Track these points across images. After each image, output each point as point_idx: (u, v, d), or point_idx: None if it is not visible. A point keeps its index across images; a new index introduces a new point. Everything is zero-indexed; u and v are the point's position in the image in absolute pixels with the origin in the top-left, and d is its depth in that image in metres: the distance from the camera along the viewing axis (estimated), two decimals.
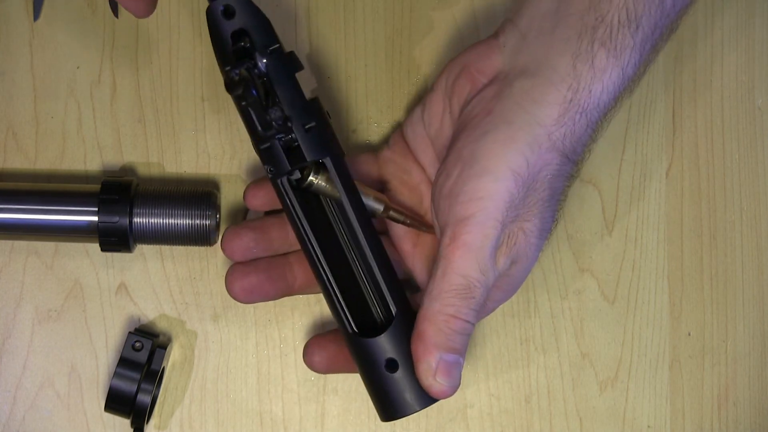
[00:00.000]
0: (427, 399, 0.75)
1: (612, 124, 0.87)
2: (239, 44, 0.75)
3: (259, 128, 0.75)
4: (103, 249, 0.82)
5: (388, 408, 0.76)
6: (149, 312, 0.85)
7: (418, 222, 0.80)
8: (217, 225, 0.83)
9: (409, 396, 0.75)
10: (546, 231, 0.76)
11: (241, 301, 0.80)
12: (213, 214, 0.82)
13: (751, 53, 0.88)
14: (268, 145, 0.75)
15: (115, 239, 0.81)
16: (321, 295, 0.80)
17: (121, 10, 0.86)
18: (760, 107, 0.88)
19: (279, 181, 0.76)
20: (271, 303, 0.85)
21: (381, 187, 0.83)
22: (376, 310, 0.78)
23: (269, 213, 0.83)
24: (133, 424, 0.82)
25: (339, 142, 0.77)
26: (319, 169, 0.77)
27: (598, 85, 0.74)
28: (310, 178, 0.77)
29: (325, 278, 0.77)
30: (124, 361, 0.82)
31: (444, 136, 0.79)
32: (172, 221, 0.82)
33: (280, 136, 0.75)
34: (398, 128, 0.84)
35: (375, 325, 0.77)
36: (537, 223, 0.75)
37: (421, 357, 0.74)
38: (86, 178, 0.85)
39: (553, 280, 0.87)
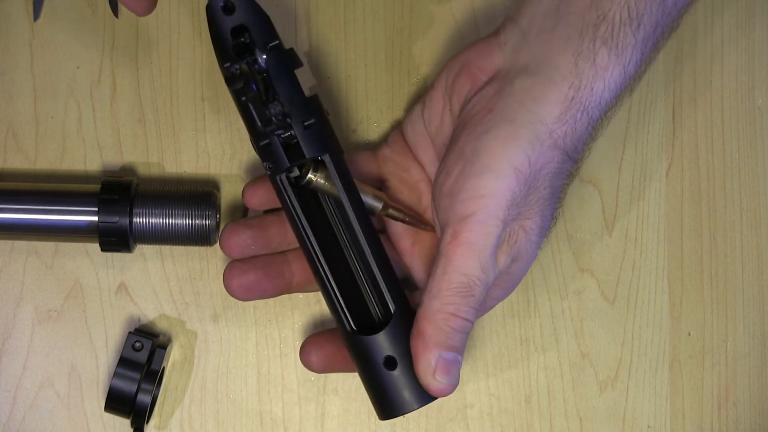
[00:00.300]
0: (425, 397, 0.75)
1: (612, 124, 0.87)
2: (239, 40, 0.75)
3: (259, 123, 0.74)
4: (103, 249, 0.82)
5: (387, 406, 0.76)
6: (149, 312, 0.85)
7: (416, 220, 0.80)
8: (217, 225, 0.83)
9: (407, 394, 0.75)
10: (546, 229, 0.76)
11: (239, 298, 0.80)
12: (213, 214, 0.82)
13: (751, 53, 0.88)
14: (267, 141, 0.75)
15: (115, 239, 0.81)
16: (320, 295, 0.80)
17: (121, 9, 0.86)
18: (760, 107, 0.88)
19: (278, 178, 0.76)
20: (271, 303, 0.85)
21: (380, 185, 0.83)
22: (375, 309, 0.78)
23: (268, 211, 0.83)
24: (133, 424, 0.82)
25: (338, 139, 0.77)
26: (318, 166, 0.77)
27: (600, 83, 0.74)
28: (309, 175, 0.77)
29: (324, 276, 0.76)
30: (124, 361, 0.82)
31: (444, 134, 0.79)
32: (172, 221, 0.82)
33: (279, 132, 0.75)
34: (398, 126, 0.84)
35: (373, 324, 0.77)
36: (538, 221, 0.75)
37: (421, 355, 0.74)
38: (86, 178, 0.85)
39: (553, 280, 0.87)
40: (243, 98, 0.74)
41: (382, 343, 0.75)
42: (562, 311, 0.87)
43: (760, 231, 0.88)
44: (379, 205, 0.79)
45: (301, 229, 0.77)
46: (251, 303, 0.85)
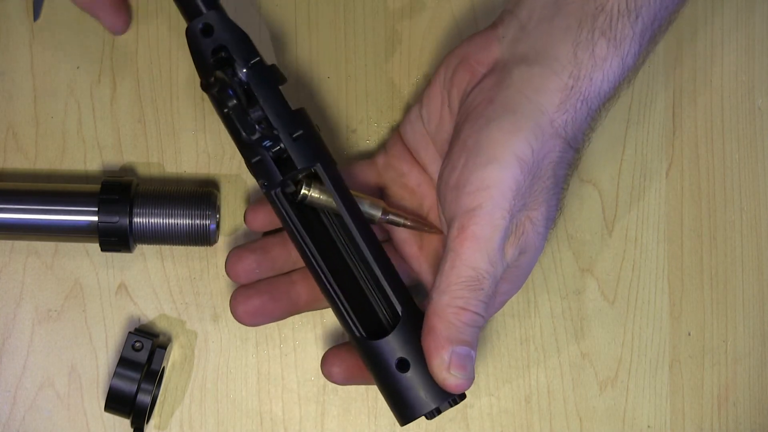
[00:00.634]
0: (442, 395, 0.74)
1: (612, 124, 0.87)
2: (219, 55, 0.75)
3: (243, 133, 0.75)
4: (103, 249, 0.82)
5: (404, 409, 0.75)
6: (149, 312, 0.85)
7: (419, 223, 0.80)
8: (217, 225, 0.83)
9: (423, 394, 0.74)
10: (551, 220, 0.76)
11: (247, 325, 0.80)
12: (213, 214, 0.82)
13: (751, 53, 0.88)
14: (258, 158, 0.76)
15: (115, 239, 0.81)
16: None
17: None
18: (760, 107, 0.88)
19: (273, 192, 0.76)
20: None
21: (380, 193, 0.83)
22: (383, 314, 0.77)
23: (269, 233, 0.83)
24: (133, 424, 0.82)
25: (329, 151, 0.77)
26: (311, 181, 0.77)
27: (599, 74, 0.74)
28: (303, 191, 0.77)
29: (327, 284, 0.76)
30: (124, 361, 0.82)
31: (444, 131, 0.79)
32: (172, 221, 0.82)
33: (266, 143, 0.75)
34: (394, 132, 0.84)
35: (384, 329, 0.77)
36: (543, 211, 0.75)
37: (434, 352, 0.73)
38: (86, 178, 0.85)
39: (553, 280, 0.87)
40: (225, 109, 0.75)
41: (393, 345, 0.75)
42: (562, 311, 0.87)
43: (760, 231, 0.88)
44: (378, 213, 0.79)
45: (301, 241, 0.77)
46: None
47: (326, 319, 0.86)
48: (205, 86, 0.75)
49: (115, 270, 0.85)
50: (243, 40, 0.76)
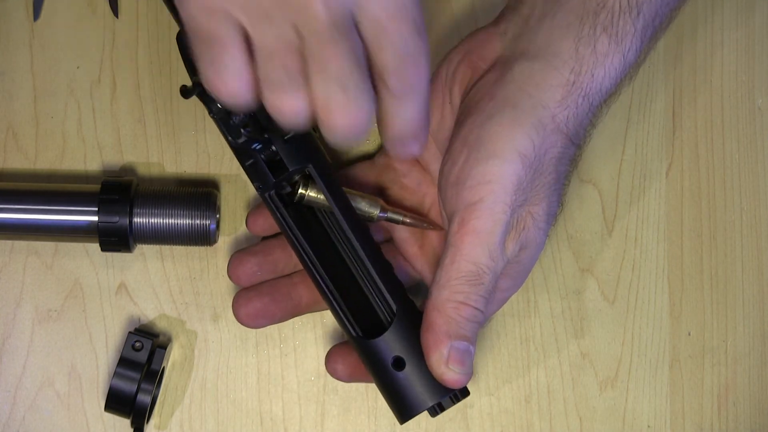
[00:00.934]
0: (440, 391, 0.74)
1: (612, 124, 0.87)
2: None
3: (229, 137, 0.75)
4: (103, 249, 0.82)
5: (403, 408, 0.75)
6: (149, 312, 0.85)
7: (418, 220, 0.80)
8: (217, 225, 0.83)
9: (419, 392, 0.74)
10: (552, 216, 0.76)
11: (249, 327, 0.80)
12: (213, 214, 0.82)
13: (751, 53, 0.88)
14: (251, 161, 0.76)
15: (115, 239, 0.81)
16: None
17: (122, 9, 0.86)
18: (760, 107, 0.88)
19: (267, 195, 0.76)
20: None
21: (380, 194, 0.82)
22: (382, 312, 0.77)
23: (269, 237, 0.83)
24: (133, 424, 0.82)
25: (324, 151, 0.77)
26: (309, 181, 0.77)
27: (601, 70, 0.74)
28: (300, 191, 0.77)
29: (322, 284, 0.76)
30: (124, 361, 0.82)
31: (446, 128, 0.79)
32: (172, 221, 0.82)
33: (256, 146, 0.75)
34: None
35: (383, 328, 0.77)
36: (545, 207, 0.75)
37: (432, 347, 0.73)
38: (86, 178, 0.85)
39: (553, 280, 0.87)
40: (210, 114, 0.75)
41: (389, 344, 0.75)
42: (562, 311, 0.87)
43: (760, 231, 0.88)
44: (375, 211, 0.79)
45: (296, 242, 0.77)
46: None
47: (326, 319, 0.86)
48: (184, 91, 0.75)
49: (115, 270, 0.85)
50: None
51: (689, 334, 0.87)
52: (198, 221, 0.82)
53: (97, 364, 0.85)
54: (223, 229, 0.85)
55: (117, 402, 0.81)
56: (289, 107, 0.66)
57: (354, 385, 0.85)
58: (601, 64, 0.74)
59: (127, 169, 0.86)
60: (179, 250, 0.85)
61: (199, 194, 0.82)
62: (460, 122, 0.76)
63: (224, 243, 0.85)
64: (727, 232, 0.88)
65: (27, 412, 0.85)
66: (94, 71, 0.86)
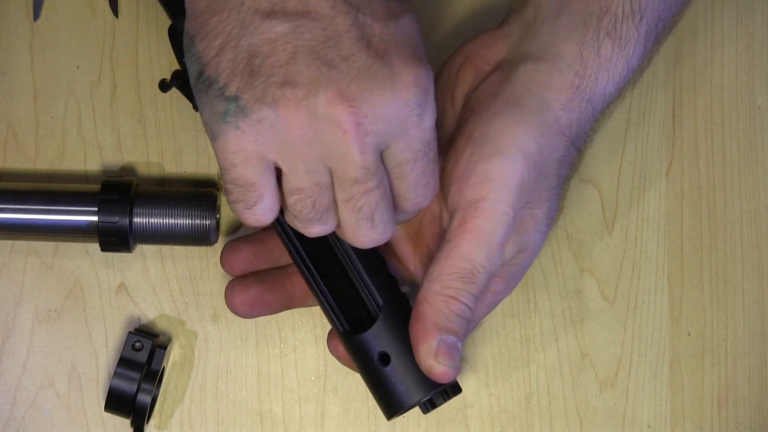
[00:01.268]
0: (427, 387, 0.74)
1: (612, 124, 0.87)
2: None
3: None
4: (103, 249, 0.82)
5: (389, 404, 0.75)
6: (149, 312, 0.85)
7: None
8: (217, 225, 0.83)
9: (405, 387, 0.74)
10: (551, 220, 0.76)
11: (244, 316, 0.80)
12: (213, 214, 0.82)
13: (751, 52, 0.88)
14: None
15: (115, 239, 0.81)
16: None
17: (121, 9, 0.86)
18: (760, 107, 0.88)
19: None
20: None
21: None
22: (372, 307, 0.77)
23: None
24: (133, 424, 0.82)
25: None
26: None
27: (604, 75, 0.74)
28: None
29: (309, 276, 0.76)
30: (124, 361, 0.82)
31: (447, 131, 0.79)
32: (172, 221, 0.82)
33: None
34: None
35: (371, 323, 0.77)
36: (546, 210, 0.75)
37: (421, 338, 0.73)
38: (86, 178, 0.86)
39: (553, 280, 0.87)
40: (195, 109, 0.75)
41: (374, 339, 0.74)
42: (562, 311, 0.87)
43: (760, 231, 0.88)
44: None
45: (283, 235, 0.76)
46: None
47: (326, 319, 0.86)
48: (163, 85, 0.74)
49: (115, 270, 0.85)
50: None
51: (689, 334, 0.87)
52: (198, 221, 0.82)
53: (97, 364, 0.85)
54: (222, 229, 0.85)
55: (117, 402, 0.81)
56: (313, 233, 0.71)
57: (354, 385, 0.85)
58: (605, 69, 0.74)
59: (127, 169, 0.86)
60: (179, 250, 0.85)
61: (199, 194, 0.82)
62: (463, 120, 0.76)
63: (224, 243, 0.85)
64: (727, 232, 0.88)
65: (27, 412, 0.85)
66: (94, 71, 0.86)
